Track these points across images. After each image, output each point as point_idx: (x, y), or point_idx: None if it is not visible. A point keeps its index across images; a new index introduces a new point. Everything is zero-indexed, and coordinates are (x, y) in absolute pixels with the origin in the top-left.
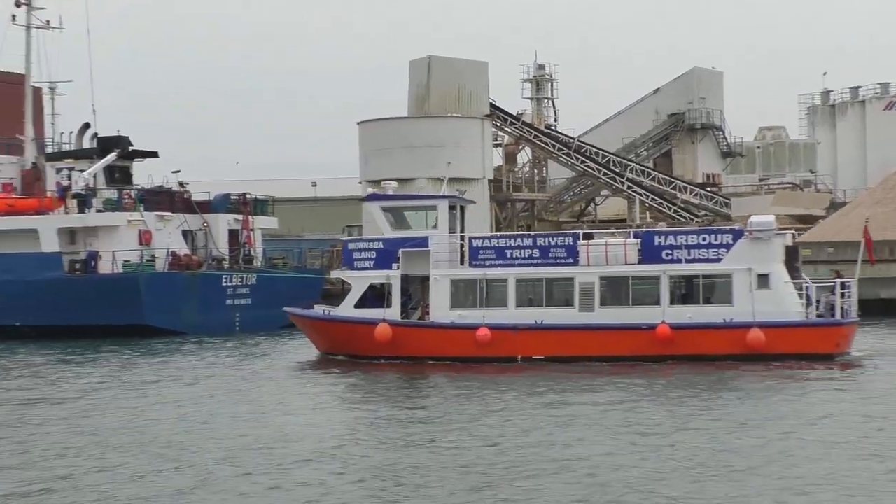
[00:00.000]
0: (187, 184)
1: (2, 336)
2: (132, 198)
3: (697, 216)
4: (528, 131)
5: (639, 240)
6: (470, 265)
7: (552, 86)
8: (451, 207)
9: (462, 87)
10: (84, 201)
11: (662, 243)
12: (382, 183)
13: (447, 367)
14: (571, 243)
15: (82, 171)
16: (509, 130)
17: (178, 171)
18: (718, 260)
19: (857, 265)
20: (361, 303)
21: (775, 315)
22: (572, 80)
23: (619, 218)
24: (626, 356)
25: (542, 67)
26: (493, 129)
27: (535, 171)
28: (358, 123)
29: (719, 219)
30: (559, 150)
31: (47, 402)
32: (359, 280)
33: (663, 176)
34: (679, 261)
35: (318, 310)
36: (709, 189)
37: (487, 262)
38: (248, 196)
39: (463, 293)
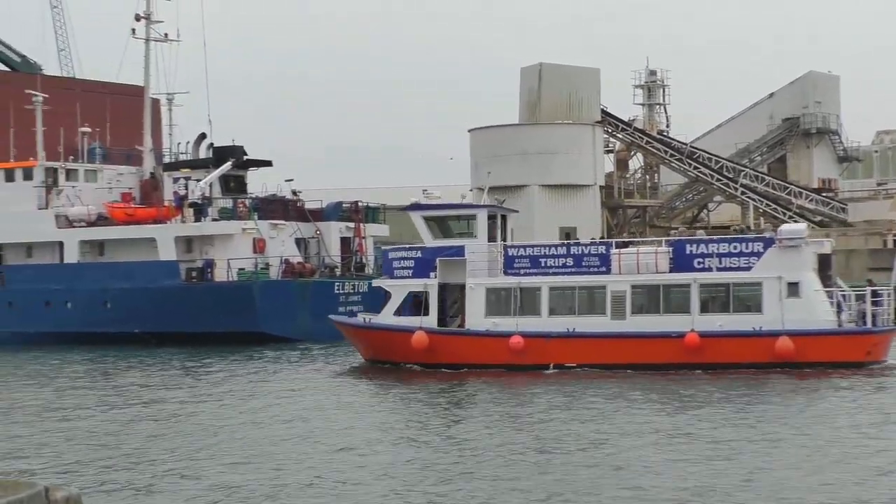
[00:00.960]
0: (300, 192)
1: (121, 343)
2: (246, 206)
3: (813, 222)
4: (639, 137)
5: (671, 248)
6: (505, 273)
7: (664, 91)
8: (492, 217)
9: (573, 93)
10: (200, 210)
11: (694, 251)
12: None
13: (484, 374)
14: (605, 252)
15: (198, 180)
16: (621, 137)
17: (292, 180)
18: (749, 268)
19: (893, 272)
20: (404, 311)
21: (805, 323)
22: (684, 85)
23: (733, 224)
24: (656, 364)
25: (653, 73)
26: (605, 136)
27: (647, 177)
28: (469, 131)
29: (835, 224)
30: (671, 155)
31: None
32: (398, 288)
33: (778, 181)
34: (710, 269)
35: (360, 318)
36: (824, 194)
37: (522, 271)
38: (359, 204)
39: (498, 301)
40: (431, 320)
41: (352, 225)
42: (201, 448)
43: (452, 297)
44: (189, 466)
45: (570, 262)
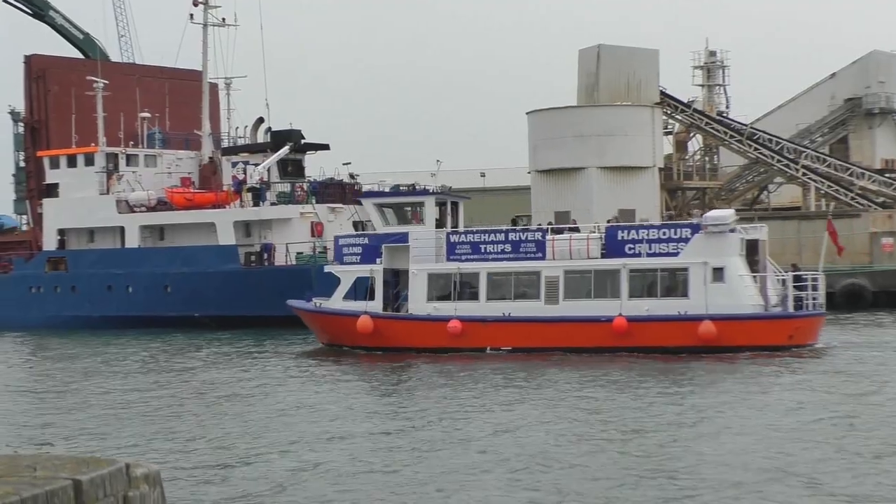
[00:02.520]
0: (358, 175)
1: (181, 326)
2: (304, 190)
3: (875, 203)
4: (699, 119)
5: (602, 234)
6: (447, 259)
7: (723, 72)
8: (441, 204)
9: (632, 75)
10: (258, 195)
11: (625, 238)
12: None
13: (423, 357)
14: (540, 238)
15: (257, 164)
16: (680, 118)
17: (349, 164)
18: (677, 254)
19: (821, 258)
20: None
21: (728, 308)
22: (744, 66)
23: (794, 205)
24: (586, 347)
25: (713, 54)
26: (664, 118)
27: (706, 158)
28: (527, 113)
29: None
30: (731, 137)
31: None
32: (346, 274)
33: (840, 162)
34: (640, 255)
35: (313, 303)
36: (887, 175)
37: (463, 257)
38: (416, 187)
39: (439, 286)
40: (377, 305)
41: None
42: (268, 429)
43: (402, 283)
44: (256, 447)
45: (508, 248)
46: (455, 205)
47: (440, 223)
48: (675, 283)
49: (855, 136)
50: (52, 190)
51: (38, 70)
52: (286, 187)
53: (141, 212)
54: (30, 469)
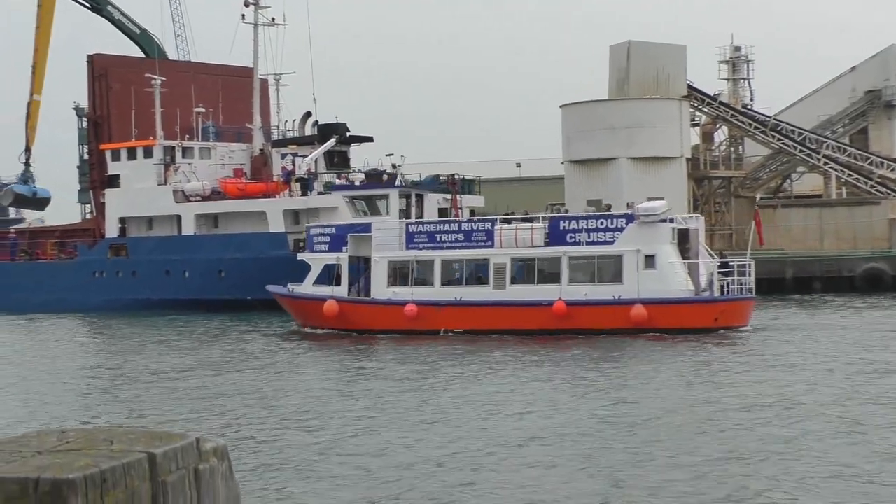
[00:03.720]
0: (400, 166)
1: (234, 309)
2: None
3: (893, 190)
4: (724, 111)
5: (546, 224)
6: (406, 248)
7: (748, 66)
8: (406, 196)
9: (660, 69)
10: (306, 184)
11: (567, 227)
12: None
13: (384, 339)
14: (490, 228)
15: (304, 156)
16: (706, 111)
17: (392, 155)
18: (612, 242)
19: (748, 246)
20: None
21: (658, 292)
22: (767, 60)
23: (816, 193)
24: (530, 330)
25: (738, 49)
26: (691, 110)
27: (732, 149)
28: (561, 106)
29: None
30: (755, 128)
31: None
32: (316, 261)
33: (859, 151)
34: (579, 243)
35: (288, 288)
36: None
37: (421, 245)
38: (455, 176)
39: (398, 273)
40: (342, 290)
41: (448, 196)
42: (326, 409)
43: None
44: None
45: (461, 237)
46: (420, 197)
47: (406, 214)
48: (611, 270)
49: (874, 126)
50: (113, 181)
51: (100, 69)
52: (332, 177)
53: (196, 201)
54: (106, 442)
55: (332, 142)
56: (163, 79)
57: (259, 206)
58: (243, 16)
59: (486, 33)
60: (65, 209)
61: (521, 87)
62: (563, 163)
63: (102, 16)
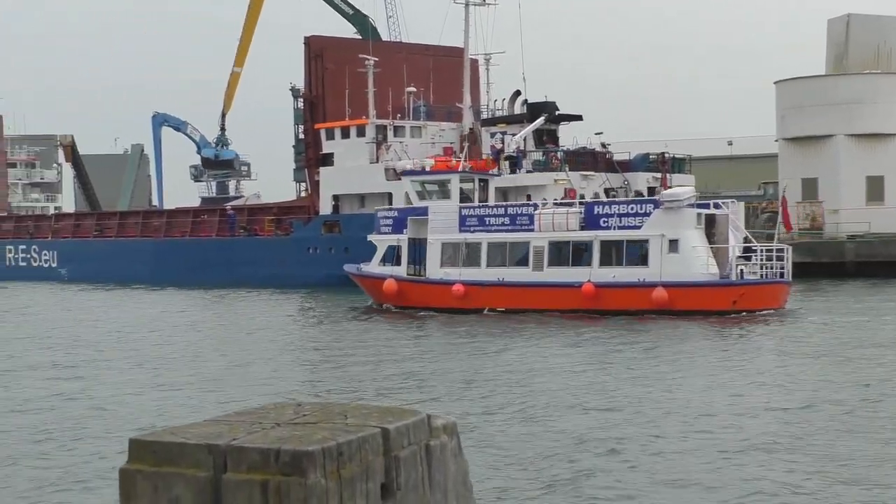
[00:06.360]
0: (609, 145)
1: None
2: (558, 159)
3: None
4: None
5: (581, 209)
6: (459, 231)
7: None
8: (468, 181)
9: (882, 43)
10: (515, 163)
11: (600, 212)
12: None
13: (436, 316)
14: (532, 212)
15: (514, 134)
16: None
17: (601, 133)
18: (639, 227)
19: (776, 232)
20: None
21: (681, 276)
22: None
23: None
24: (562, 310)
25: None
26: None
27: None
28: (775, 83)
29: None
30: None
31: None
32: (380, 242)
33: None
34: (610, 227)
35: (355, 266)
36: None
37: (472, 228)
38: (666, 155)
39: (449, 254)
40: (402, 269)
41: (658, 175)
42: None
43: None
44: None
45: (506, 221)
46: (484, 182)
47: (468, 198)
48: (638, 253)
49: None
50: (327, 159)
51: (316, 50)
52: (541, 156)
53: None
54: (341, 416)
55: (540, 120)
56: (376, 59)
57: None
58: None
59: (697, 9)
60: (281, 187)
61: (732, 62)
62: (776, 140)
63: None
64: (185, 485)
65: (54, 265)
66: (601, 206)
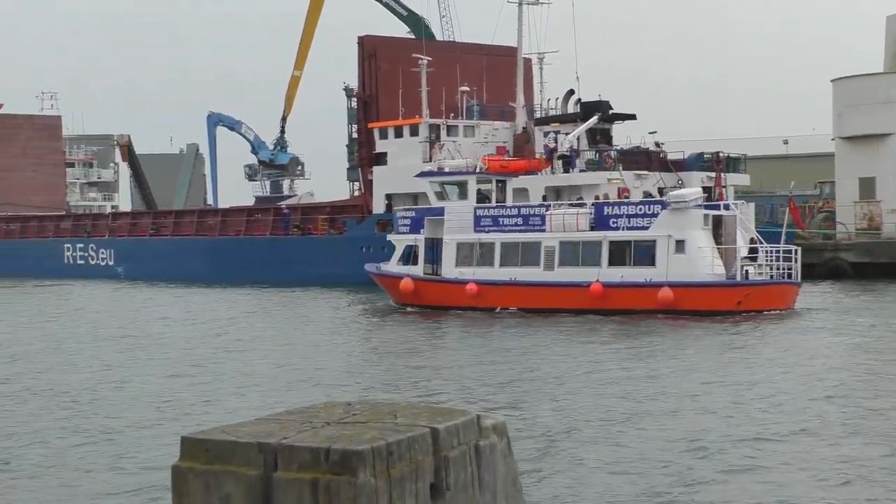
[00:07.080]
0: (663, 144)
1: None
2: (612, 158)
3: None
4: None
5: (591, 209)
6: (474, 231)
7: None
8: (485, 182)
9: None
10: (569, 162)
11: (609, 213)
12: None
13: (449, 314)
14: (544, 212)
15: (567, 134)
16: None
17: (655, 133)
18: (647, 228)
19: (782, 233)
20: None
21: (686, 276)
22: None
23: None
24: (571, 309)
25: None
26: None
27: None
28: (832, 81)
29: None
30: None
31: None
32: (399, 242)
33: None
34: (619, 228)
35: (375, 266)
36: None
37: (486, 229)
38: (720, 154)
39: (464, 254)
40: (418, 269)
41: (712, 174)
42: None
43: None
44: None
45: (519, 221)
46: (502, 182)
47: (485, 199)
48: (645, 254)
49: None
50: (380, 158)
51: (369, 49)
52: (594, 155)
53: None
54: (391, 416)
55: (594, 119)
56: (429, 59)
57: (521, 183)
58: None
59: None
60: (335, 186)
61: (789, 60)
62: (833, 139)
63: None
64: (235, 483)
65: (111, 263)
66: (611, 207)
